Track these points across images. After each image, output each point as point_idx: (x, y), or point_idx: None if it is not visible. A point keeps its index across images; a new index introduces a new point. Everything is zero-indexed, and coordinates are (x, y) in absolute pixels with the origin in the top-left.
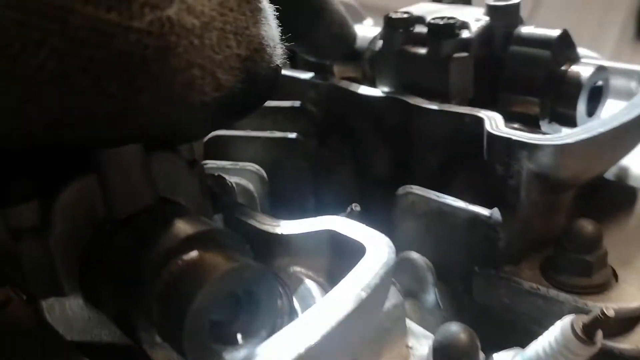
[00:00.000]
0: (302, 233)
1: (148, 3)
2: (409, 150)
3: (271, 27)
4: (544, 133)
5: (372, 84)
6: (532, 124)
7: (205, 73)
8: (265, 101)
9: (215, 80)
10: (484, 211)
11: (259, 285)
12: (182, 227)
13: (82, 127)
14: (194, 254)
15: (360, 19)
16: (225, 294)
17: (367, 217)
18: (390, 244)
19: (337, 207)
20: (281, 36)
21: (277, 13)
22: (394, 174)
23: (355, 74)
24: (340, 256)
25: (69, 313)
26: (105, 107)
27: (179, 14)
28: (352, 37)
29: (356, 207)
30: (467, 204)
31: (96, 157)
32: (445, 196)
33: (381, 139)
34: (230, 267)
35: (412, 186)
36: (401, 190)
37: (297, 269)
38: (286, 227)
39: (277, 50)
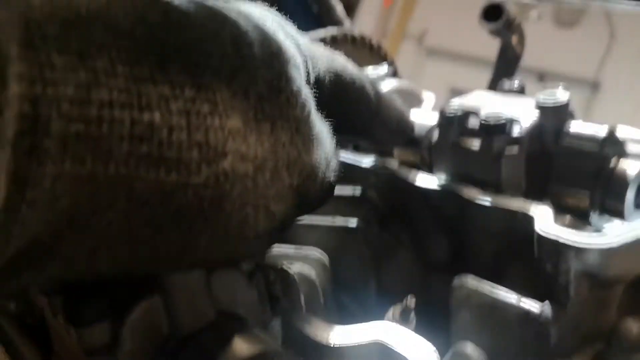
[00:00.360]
0: (353, 345)
1: (204, 160)
2: (465, 240)
3: (324, 148)
4: (595, 229)
5: (431, 169)
6: (582, 216)
7: (258, 209)
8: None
9: (268, 212)
10: (535, 308)
11: None
12: (240, 348)
13: (146, 266)
14: None
15: (419, 104)
16: None
17: (428, 302)
18: (436, 354)
19: (398, 292)
20: (341, 132)
21: (338, 114)
22: (452, 261)
23: (415, 159)
24: None
25: None
26: (166, 251)
27: (233, 164)
28: (410, 129)
29: (411, 300)
30: (520, 298)
31: (161, 281)
32: (499, 289)
33: (439, 227)
34: None
35: (468, 277)
36: (457, 281)
37: None
38: (338, 336)
39: (331, 165)
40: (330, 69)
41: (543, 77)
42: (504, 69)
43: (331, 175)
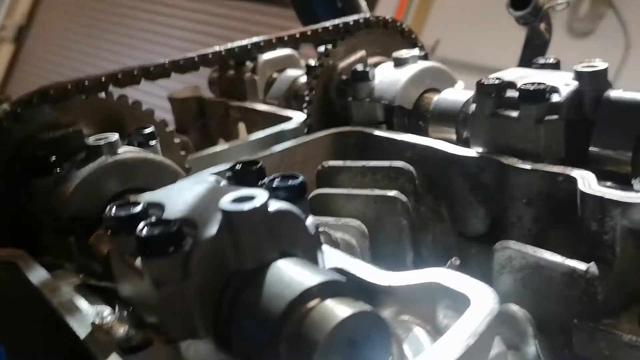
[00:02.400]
0: (410, 285)
1: None
2: (503, 207)
3: None
4: (636, 191)
5: (466, 144)
6: (623, 182)
7: None
8: None
9: None
10: (580, 265)
11: (375, 330)
12: (305, 279)
13: None
14: (316, 303)
15: (453, 83)
16: (346, 340)
17: (464, 272)
18: (494, 294)
19: (435, 262)
20: None
21: None
22: (489, 230)
23: (449, 135)
24: (446, 306)
25: (203, 354)
26: None
27: None
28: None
29: (456, 260)
30: (564, 258)
31: (228, 217)
32: (542, 250)
33: (476, 197)
34: (350, 313)
35: (509, 241)
36: (498, 245)
37: (406, 317)
38: (394, 279)
39: None
40: None
41: None
42: (530, 58)
43: None
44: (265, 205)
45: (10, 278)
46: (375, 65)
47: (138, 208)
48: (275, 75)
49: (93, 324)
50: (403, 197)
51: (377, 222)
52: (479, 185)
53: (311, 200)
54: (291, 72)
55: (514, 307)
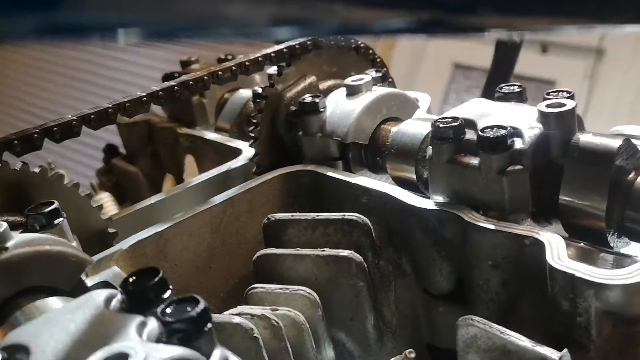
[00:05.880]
0: None
1: None
2: (468, 266)
3: None
4: (612, 248)
5: (427, 187)
6: (597, 238)
7: None
8: None
9: None
10: (552, 354)
11: None
12: None
13: None
14: None
15: (414, 109)
16: None
17: (434, 333)
18: None
19: (399, 325)
20: None
21: None
22: (457, 289)
23: (409, 175)
24: None
25: None
26: None
27: None
28: None
29: (410, 353)
30: (534, 343)
31: None
32: (509, 333)
33: (439, 252)
34: None
35: (473, 317)
36: (461, 321)
37: None
38: None
39: None
40: None
41: (546, 48)
42: (500, 71)
43: None
44: None
45: None
46: (329, 90)
47: None
48: (227, 95)
49: None
50: (357, 257)
51: (331, 284)
52: (441, 240)
53: (257, 261)
54: (244, 93)
55: None
